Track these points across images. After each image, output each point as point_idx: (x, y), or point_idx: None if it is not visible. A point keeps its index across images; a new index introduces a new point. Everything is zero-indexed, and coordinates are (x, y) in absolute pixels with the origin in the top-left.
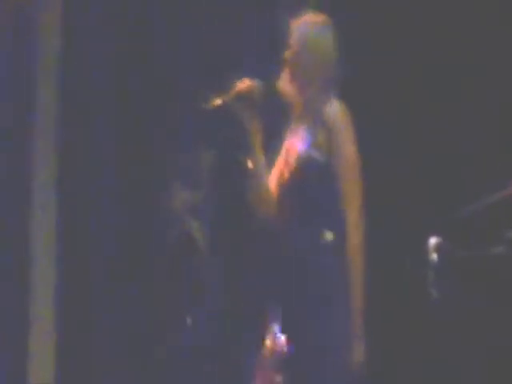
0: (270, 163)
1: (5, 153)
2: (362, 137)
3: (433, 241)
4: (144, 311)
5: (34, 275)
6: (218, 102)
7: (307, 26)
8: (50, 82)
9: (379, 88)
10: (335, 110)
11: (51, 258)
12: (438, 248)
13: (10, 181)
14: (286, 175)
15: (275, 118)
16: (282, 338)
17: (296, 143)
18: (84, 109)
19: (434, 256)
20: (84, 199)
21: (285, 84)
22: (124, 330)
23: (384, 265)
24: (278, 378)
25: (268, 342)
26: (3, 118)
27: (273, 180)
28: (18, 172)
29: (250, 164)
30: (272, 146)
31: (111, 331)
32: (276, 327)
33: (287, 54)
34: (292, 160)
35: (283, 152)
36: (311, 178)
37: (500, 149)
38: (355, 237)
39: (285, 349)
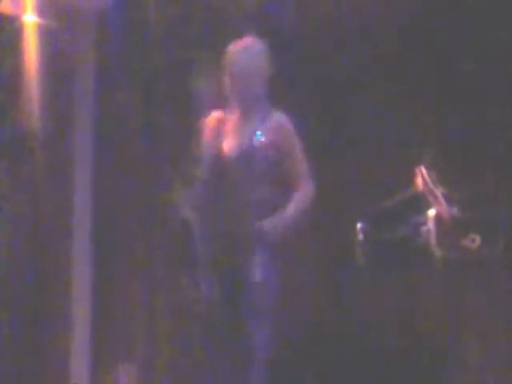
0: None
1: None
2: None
3: (359, 225)
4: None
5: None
6: None
7: (237, 49)
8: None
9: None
10: (281, 118)
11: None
12: (363, 230)
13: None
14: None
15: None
16: None
17: (244, 140)
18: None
19: (360, 236)
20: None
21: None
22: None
23: (323, 242)
24: None
25: None
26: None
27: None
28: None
29: None
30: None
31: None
32: None
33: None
34: (240, 144)
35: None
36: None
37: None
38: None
39: None
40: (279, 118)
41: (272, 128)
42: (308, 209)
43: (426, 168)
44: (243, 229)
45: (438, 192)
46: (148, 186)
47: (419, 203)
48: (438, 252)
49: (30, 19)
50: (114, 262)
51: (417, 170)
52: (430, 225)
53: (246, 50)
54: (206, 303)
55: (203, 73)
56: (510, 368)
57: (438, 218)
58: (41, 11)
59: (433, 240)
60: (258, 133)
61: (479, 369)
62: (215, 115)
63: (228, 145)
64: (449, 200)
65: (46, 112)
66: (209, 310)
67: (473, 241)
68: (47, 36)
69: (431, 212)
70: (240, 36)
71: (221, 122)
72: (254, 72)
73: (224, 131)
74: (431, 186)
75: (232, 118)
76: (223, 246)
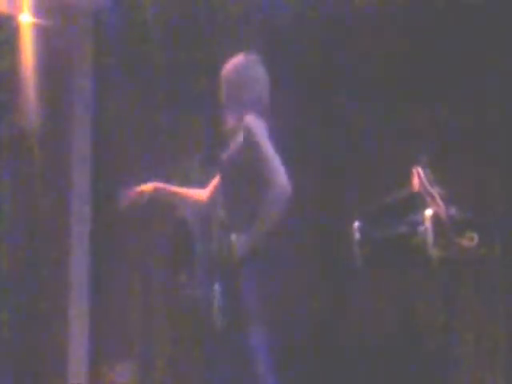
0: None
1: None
2: (298, 138)
3: (356, 224)
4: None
5: None
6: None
7: (229, 64)
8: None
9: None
10: (245, 120)
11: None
12: (360, 230)
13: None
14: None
15: None
16: None
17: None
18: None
19: (357, 235)
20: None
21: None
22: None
23: (320, 241)
24: None
25: None
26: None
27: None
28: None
29: None
30: None
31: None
32: None
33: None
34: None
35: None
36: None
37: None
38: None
39: None
40: (244, 121)
41: (240, 136)
42: (279, 209)
43: (423, 168)
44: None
45: (435, 192)
46: None
47: (416, 203)
48: (435, 252)
49: (26, 19)
50: (112, 261)
51: (414, 170)
52: (427, 224)
53: (231, 66)
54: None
55: (202, 71)
56: (506, 367)
57: (435, 218)
58: (37, 11)
59: (430, 240)
60: (229, 146)
61: (476, 368)
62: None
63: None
64: (446, 200)
65: (43, 111)
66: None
67: (471, 240)
68: (44, 35)
69: (428, 212)
70: (238, 35)
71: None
72: (237, 85)
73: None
74: (428, 185)
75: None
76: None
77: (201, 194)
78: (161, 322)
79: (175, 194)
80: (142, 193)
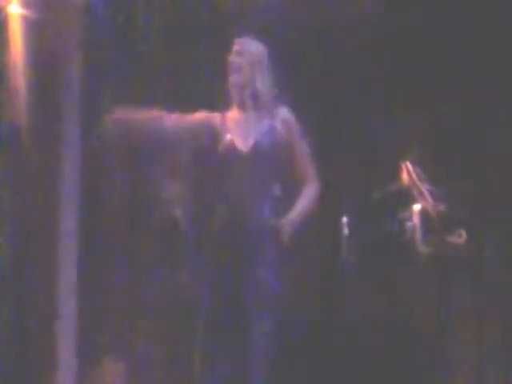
0: None
1: None
2: None
3: (345, 220)
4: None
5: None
6: None
7: (240, 41)
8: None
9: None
10: (286, 114)
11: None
12: (349, 225)
13: None
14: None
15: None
16: None
17: (249, 127)
18: None
19: (346, 231)
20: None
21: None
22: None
23: (308, 237)
24: None
25: None
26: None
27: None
28: None
29: None
30: None
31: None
32: None
33: (236, 65)
34: (251, 136)
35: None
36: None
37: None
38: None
39: None
40: (285, 114)
41: (278, 124)
42: (316, 202)
43: (412, 164)
44: (258, 224)
45: (424, 188)
46: (138, 181)
47: (405, 199)
48: (423, 247)
49: (15, 10)
50: (101, 258)
51: (402, 166)
52: (416, 220)
53: (248, 44)
54: (206, 303)
55: (191, 66)
56: (495, 363)
57: (424, 214)
58: (26, 2)
59: (418, 235)
60: (266, 129)
61: (465, 366)
62: (215, 114)
63: (235, 137)
64: (434, 196)
65: (31, 104)
66: (209, 309)
67: (459, 236)
68: (33, 27)
69: (416, 207)
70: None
71: (222, 120)
72: (255, 63)
73: (226, 128)
74: (417, 181)
75: (233, 115)
76: (233, 242)
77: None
78: (151, 320)
79: (139, 117)
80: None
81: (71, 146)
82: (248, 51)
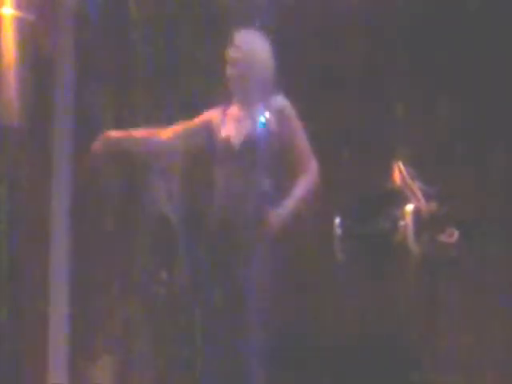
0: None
1: None
2: None
3: (337, 219)
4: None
5: None
6: None
7: (248, 37)
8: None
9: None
10: (281, 102)
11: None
12: (341, 225)
13: None
14: (237, 142)
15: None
16: None
17: (247, 128)
18: None
19: (338, 231)
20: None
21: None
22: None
23: (303, 236)
24: None
25: None
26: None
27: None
28: None
29: None
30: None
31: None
32: None
33: (233, 57)
34: (243, 131)
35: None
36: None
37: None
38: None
39: None
40: (280, 103)
41: (273, 114)
42: (314, 191)
43: (404, 163)
44: (247, 220)
45: (416, 187)
46: (128, 181)
47: (397, 198)
48: (415, 247)
49: (7, 12)
50: (93, 257)
51: (394, 165)
52: (408, 220)
53: (245, 36)
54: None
55: (190, 63)
56: (487, 363)
57: (416, 213)
58: (19, 3)
59: (410, 235)
60: (262, 121)
61: (457, 363)
62: (216, 110)
63: (230, 133)
64: (426, 195)
65: (23, 104)
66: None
67: (451, 235)
68: (25, 28)
69: (409, 207)
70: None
71: (222, 116)
72: (251, 55)
73: (224, 125)
74: (409, 181)
75: (232, 109)
76: (222, 241)
77: (159, 132)
78: (141, 318)
79: (131, 137)
80: (98, 146)
81: (63, 146)
82: (244, 44)
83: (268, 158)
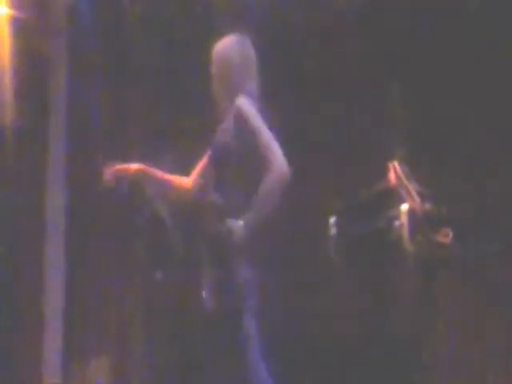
0: None
1: None
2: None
3: (333, 219)
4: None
5: None
6: None
7: (220, 44)
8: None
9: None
10: (239, 101)
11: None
12: (336, 225)
13: None
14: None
15: None
16: None
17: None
18: None
19: (334, 230)
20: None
21: (216, 94)
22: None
23: (299, 236)
24: None
25: None
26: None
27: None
28: None
29: None
30: None
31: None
32: None
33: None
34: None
35: None
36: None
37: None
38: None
39: None
40: (234, 107)
41: (230, 123)
42: (278, 192)
43: (399, 163)
44: (210, 230)
45: (411, 187)
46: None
47: (392, 198)
48: (410, 246)
49: (2, 11)
50: (88, 257)
51: (390, 165)
52: (403, 219)
53: (220, 49)
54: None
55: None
56: (479, 360)
57: (411, 213)
58: (14, 3)
59: (405, 234)
60: (219, 135)
61: (451, 364)
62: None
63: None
64: (421, 195)
65: (17, 104)
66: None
67: (446, 235)
68: (20, 28)
69: (404, 207)
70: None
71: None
72: (223, 69)
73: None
74: (404, 180)
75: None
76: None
77: (185, 180)
78: (136, 317)
79: (159, 177)
80: (127, 170)
81: (58, 145)
82: (218, 60)
83: (226, 165)
